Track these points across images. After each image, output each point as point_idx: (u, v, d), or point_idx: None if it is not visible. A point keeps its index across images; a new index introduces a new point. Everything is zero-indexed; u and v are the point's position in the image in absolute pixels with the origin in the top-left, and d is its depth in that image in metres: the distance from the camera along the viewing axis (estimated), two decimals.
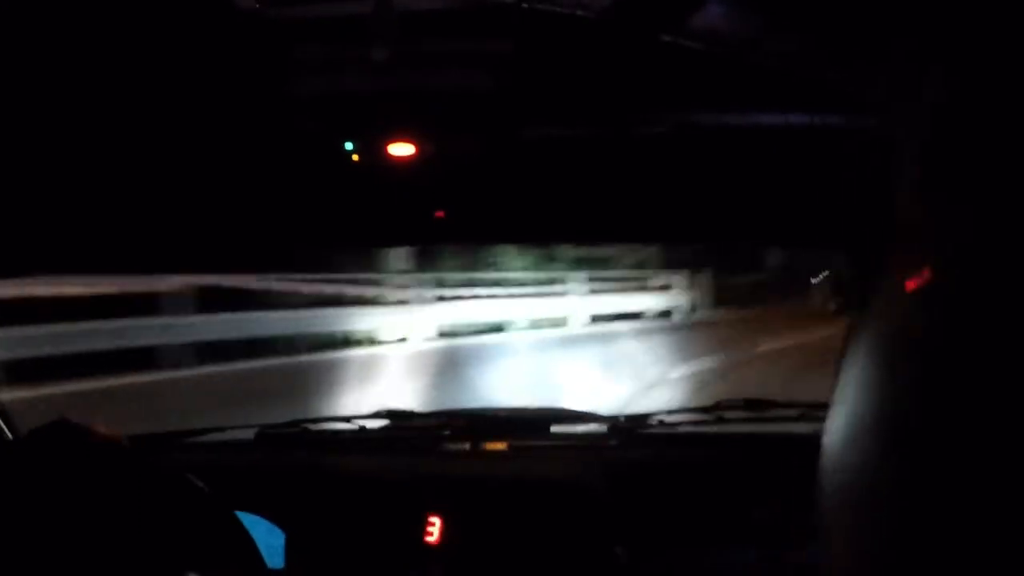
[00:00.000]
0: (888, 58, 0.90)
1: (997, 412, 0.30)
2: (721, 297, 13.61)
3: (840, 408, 0.40)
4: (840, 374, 0.41)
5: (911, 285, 0.35)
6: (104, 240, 1.54)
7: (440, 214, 1.56)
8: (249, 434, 1.78)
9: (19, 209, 1.38)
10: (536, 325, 11.00)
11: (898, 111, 0.43)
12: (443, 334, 9.88)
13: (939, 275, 0.34)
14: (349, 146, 1.32)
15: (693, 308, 13.39)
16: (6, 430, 1.50)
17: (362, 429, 1.80)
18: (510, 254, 10.80)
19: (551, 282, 11.68)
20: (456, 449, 1.68)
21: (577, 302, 11.67)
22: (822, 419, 1.69)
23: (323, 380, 7.05)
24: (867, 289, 0.40)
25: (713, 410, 1.73)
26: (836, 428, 0.41)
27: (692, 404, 1.80)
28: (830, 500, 0.40)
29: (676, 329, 11.91)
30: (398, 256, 9.98)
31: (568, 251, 11.40)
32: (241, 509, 1.27)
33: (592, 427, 1.80)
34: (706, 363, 8.27)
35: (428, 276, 10.27)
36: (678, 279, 13.03)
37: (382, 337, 9.42)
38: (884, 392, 0.36)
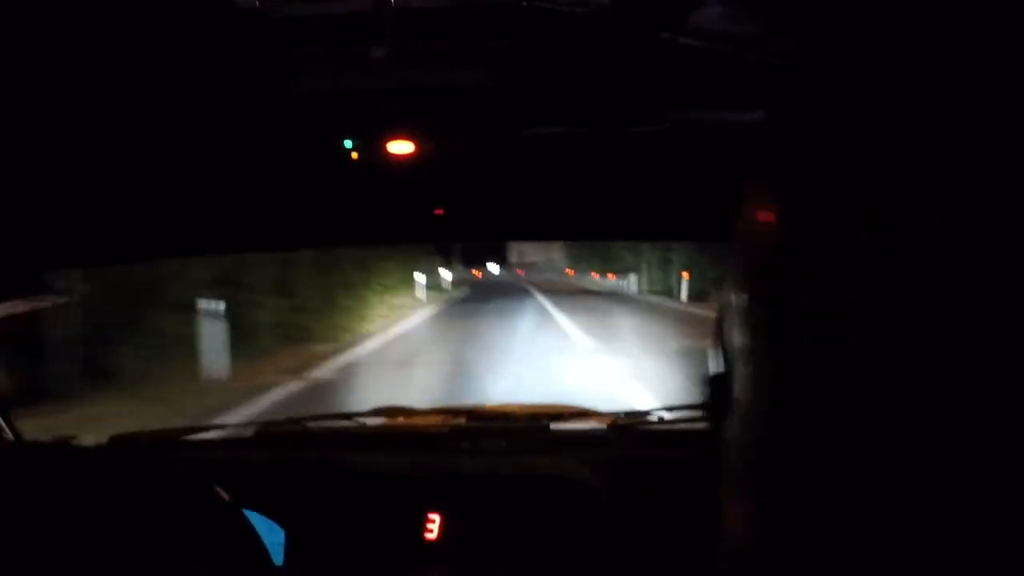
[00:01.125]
0: (888, 58, 0.90)
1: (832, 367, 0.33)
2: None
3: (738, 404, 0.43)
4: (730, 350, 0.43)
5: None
6: (104, 236, 1.54)
7: (439, 212, 1.56)
8: (249, 431, 1.78)
9: (22, 207, 1.38)
10: None
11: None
12: None
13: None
14: (348, 144, 1.32)
15: None
16: (8, 432, 1.51)
17: (362, 426, 1.80)
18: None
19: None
20: (455, 446, 1.69)
21: None
22: None
23: None
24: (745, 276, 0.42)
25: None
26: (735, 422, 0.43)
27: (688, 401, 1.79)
28: (729, 466, 0.44)
29: None
30: None
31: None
32: (241, 506, 1.27)
33: (591, 424, 1.80)
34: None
35: None
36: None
37: None
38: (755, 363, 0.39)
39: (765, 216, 0.40)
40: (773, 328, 0.38)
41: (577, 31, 0.95)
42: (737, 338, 0.42)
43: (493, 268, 52.66)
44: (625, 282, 29.79)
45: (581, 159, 1.42)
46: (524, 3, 0.83)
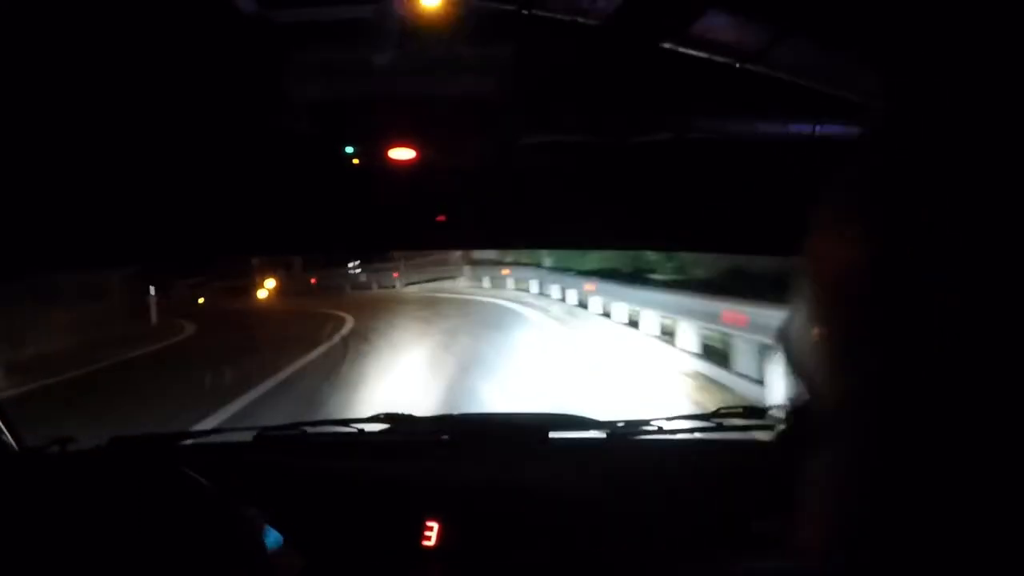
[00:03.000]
0: (891, 70, 0.91)
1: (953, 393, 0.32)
2: None
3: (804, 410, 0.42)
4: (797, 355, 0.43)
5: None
6: (105, 238, 1.54)
7: (441, 218, 1.56)
8: (248, 436, 1.78)
9: (23, 208, 1.38)
10: None
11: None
12: None
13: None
14: (350, 150, 1.32)
15: None
16: (9, 437, 1.51)
17: (361, 432, 1.80)
18: None
19: None
20: (455, 454, 1.68)
21: None
22: None
23: None
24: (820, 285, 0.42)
25: (712, 417, 1.72)
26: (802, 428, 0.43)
27: (690, 411, 1.79)
28: (798, 480, 0.43)
29: None
30: None
31: None
32: (240, 512, 1.27)
33: (590, 433, 1.80)
34: None
35: None
36: None
37: None
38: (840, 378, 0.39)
39: (844, 234, 0.40)
40: (863, 348, 0.37)
41: (578, 41, 0.95)
42: (814, 354, 0.41)
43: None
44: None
45: (582, 167, 1.42)
46: (525, 12, 0.83)
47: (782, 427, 0.45)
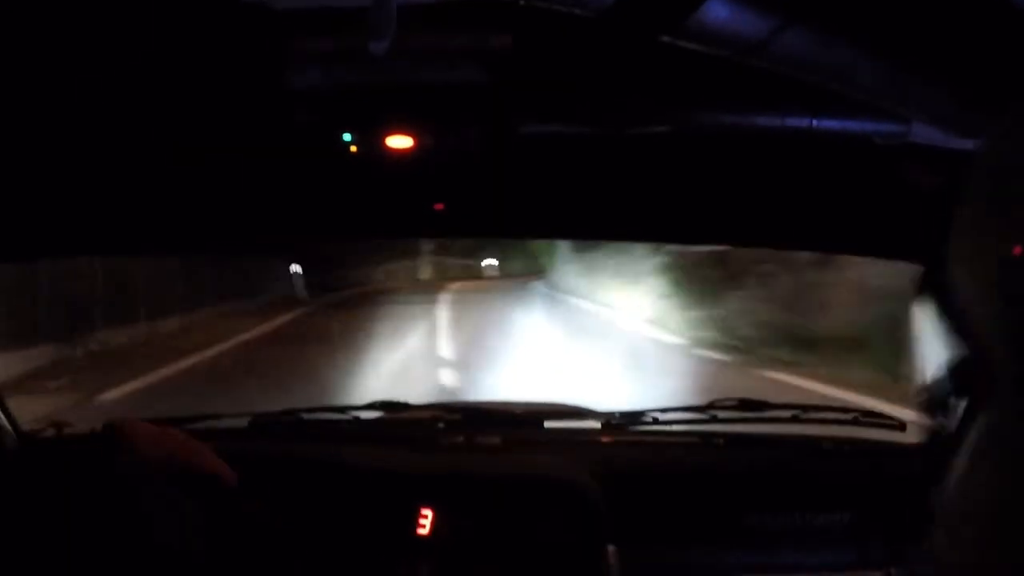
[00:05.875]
0: (892, 65, 0.91)
1: None
2: None
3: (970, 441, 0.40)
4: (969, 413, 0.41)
5: None
6: (104, 226, 1.54)
7: (439, 207, 1.56)
8: (243, 422, 1.78)
9: (26, 198, 1.38)
10: None
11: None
12: None
13: None
14: (347, 137, 1.32)
15: None
16: (3, 419, 1.51)
17: (356, 420, 1.81)
18: None
19: None
20: (449, 442, 1.69)
21: None
22: (815, 420, 1.69)
23: None
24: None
25: (707, 409, 1.73)
26: (964, 456, 0.41)
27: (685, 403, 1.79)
28: (950, 516, 0.41)
29: None
30: None
31: None
32: (234, 497, 1.27)
33: (585, 423, 1.80)
34: None
35: None
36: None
37: None
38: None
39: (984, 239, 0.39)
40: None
41: (576, 30, 0.95)
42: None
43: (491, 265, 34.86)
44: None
45: (579, 158, 1.42)
46: (523, 2, 0.83)
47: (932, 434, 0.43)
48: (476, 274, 34.00)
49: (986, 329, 0.39)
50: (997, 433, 0.38)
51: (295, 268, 22.73)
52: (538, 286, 24.31)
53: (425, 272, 33.21)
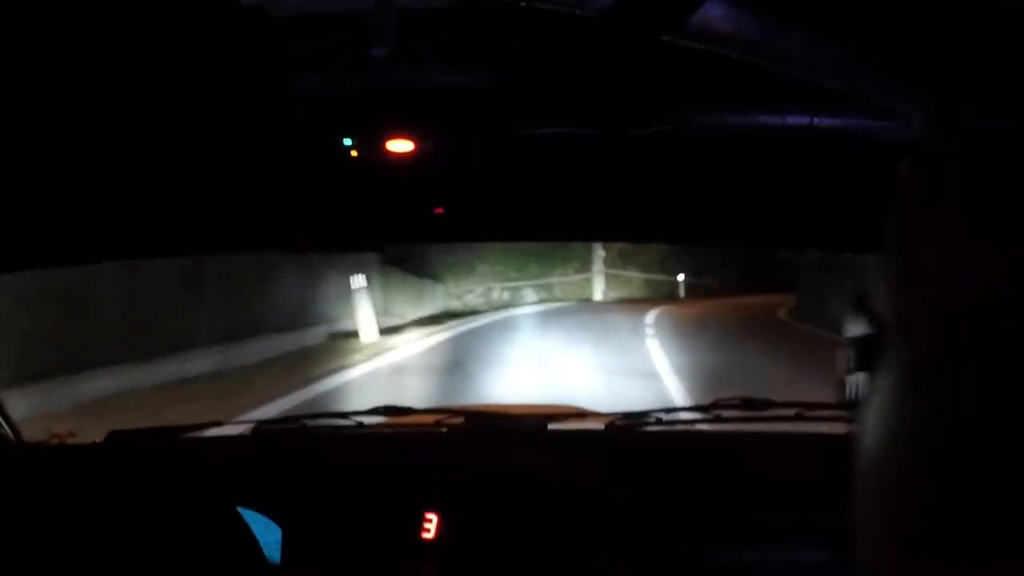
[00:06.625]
0: (889, 64, 0.91)
1: None
2: None
3: (875, 411, 0.41)
4: (876, 378, 0.42)
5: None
6: (101, 231, 1.54)
7: (439, 211, 1.56)
8: (247, 429, 1.78)
9: (21, 203, 1.38)
10: None
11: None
12: None
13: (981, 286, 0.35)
14: (348, 142, 1.32)
15: None
16: (7, 429, 1.51)
17: (359, 425, 1.80)
18: None
19: None
20: (453, 446, 1.69)
21: None
22: (818, 419, 1.69)
23: None
24: (901, 298, 0.41)
25: (710, 409, 1.73)
26: (871, 430, 0.42)
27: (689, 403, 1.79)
28: (864, 500, 0.41)
29: None
30: None
31: None
32: (239, 504, 1.27)
33: (589, 425, 1.80)
34: None
35: None
36: None
37: None
38: (919, 400, 0.38)
39: (917, 225, 0.39)
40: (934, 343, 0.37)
41: (577, 32, 0.95)
42: (879, 350, 0.41)
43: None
44: None
45: (580, 159, 1.42)
46: (524, 3, 0.83)
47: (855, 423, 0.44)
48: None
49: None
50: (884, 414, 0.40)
51: (358, 281, 11.97)
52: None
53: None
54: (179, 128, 1.30)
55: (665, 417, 1.72)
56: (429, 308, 17.49)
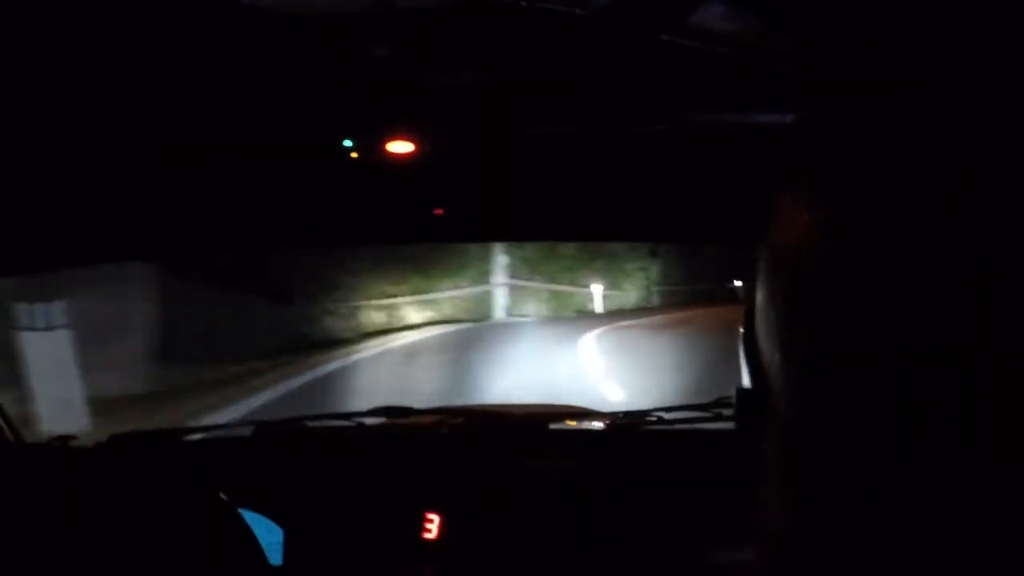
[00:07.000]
0: (887, 60, 0.91)
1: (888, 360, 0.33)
2: None
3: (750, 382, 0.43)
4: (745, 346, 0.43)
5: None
6: (100, 231, 1.54)
7: (439, 211, 1.56)
8: (248, 431, 1.78)
9: (22, 203, 1.38)
10: None
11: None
12: None
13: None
14: (348, 143, 1.32)
15: None
16: (7, 432, 1.51)
17: (360, 426, 1.80)
18: None
19: None
20: (454, 446, 1.69)
21: None
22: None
23: None
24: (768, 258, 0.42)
25: (712, 407, 1.73)
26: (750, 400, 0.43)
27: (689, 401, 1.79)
28: (762, 464, 0.43)
29: None
30: None
31: None
32: (240, 506, 1.27)
33: (590, 424, 1.80)
34: None
35: None
36: None
37: None
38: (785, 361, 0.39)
39: (804, 218, 0.40)
40: (816, 334, 0.38)
41: (576, 31, 0.95)
42: (771, 343, 0.42)
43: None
44: None
45: (581, 159, 1.42)
46: (523, 3, 0.83)
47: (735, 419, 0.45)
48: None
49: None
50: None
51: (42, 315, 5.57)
52: None
53: None
54: (178, 129, 1.30)
55: (666, 416, 1.71)
56: (256, 342, 9.92)
